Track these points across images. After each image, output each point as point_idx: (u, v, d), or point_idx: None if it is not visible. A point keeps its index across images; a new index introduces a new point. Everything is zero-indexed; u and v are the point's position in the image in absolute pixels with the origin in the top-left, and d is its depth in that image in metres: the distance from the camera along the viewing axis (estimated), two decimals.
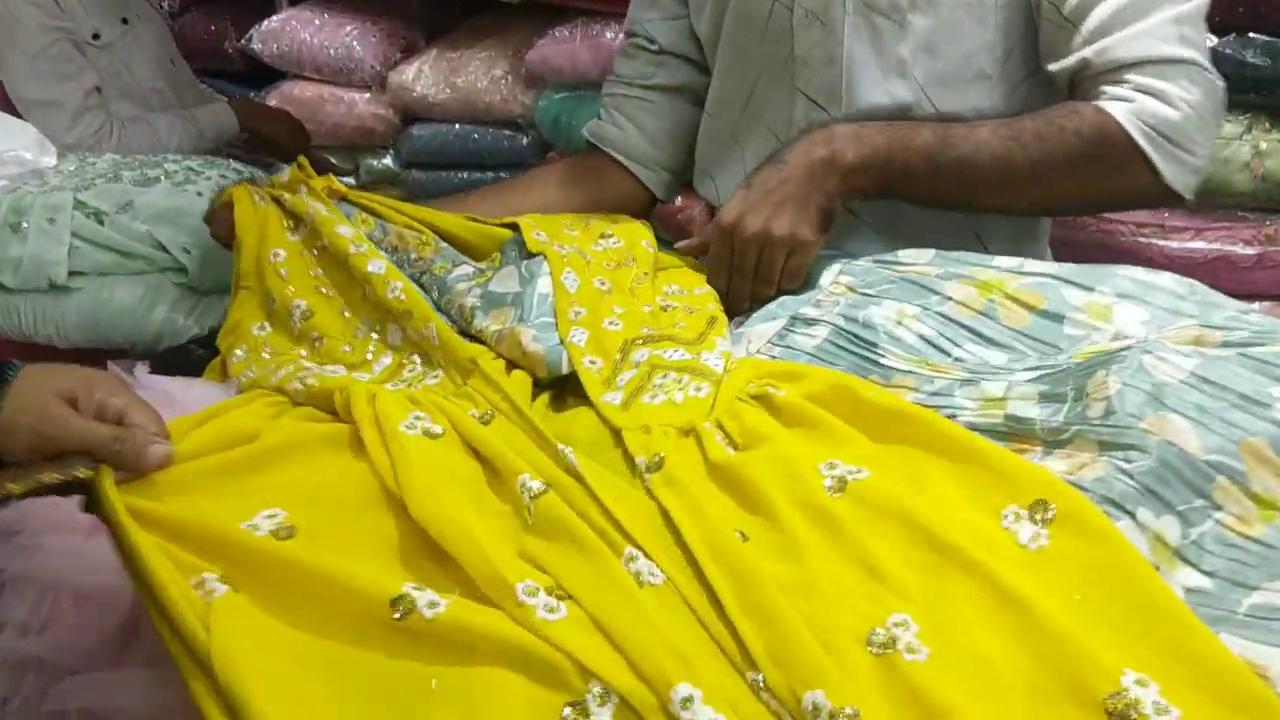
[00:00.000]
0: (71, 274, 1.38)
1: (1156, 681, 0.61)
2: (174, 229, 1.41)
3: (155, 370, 1.11)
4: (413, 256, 1.12)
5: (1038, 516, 0.72)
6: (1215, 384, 0.80)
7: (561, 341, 0.96)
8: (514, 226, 1.17)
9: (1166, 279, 0.98)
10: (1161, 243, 1.70)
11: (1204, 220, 1.71)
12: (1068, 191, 1.09)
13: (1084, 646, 0.62)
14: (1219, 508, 0.73)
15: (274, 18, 2.72)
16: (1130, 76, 1.03)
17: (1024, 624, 0.65)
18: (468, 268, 1.13)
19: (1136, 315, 0.95)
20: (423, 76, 2.51)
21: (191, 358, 1.20)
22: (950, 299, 1.01)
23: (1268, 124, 1.60)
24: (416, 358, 0.99)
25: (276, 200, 1.12)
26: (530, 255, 1.12)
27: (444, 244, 1.16)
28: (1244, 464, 0.74)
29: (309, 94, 2.65)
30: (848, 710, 0.59)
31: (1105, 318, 0.95)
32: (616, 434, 0.85)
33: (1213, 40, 1.54)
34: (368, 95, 2.62)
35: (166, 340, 1.36)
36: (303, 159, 1.17)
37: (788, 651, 0.62)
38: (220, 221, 1.14)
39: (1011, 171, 1.06)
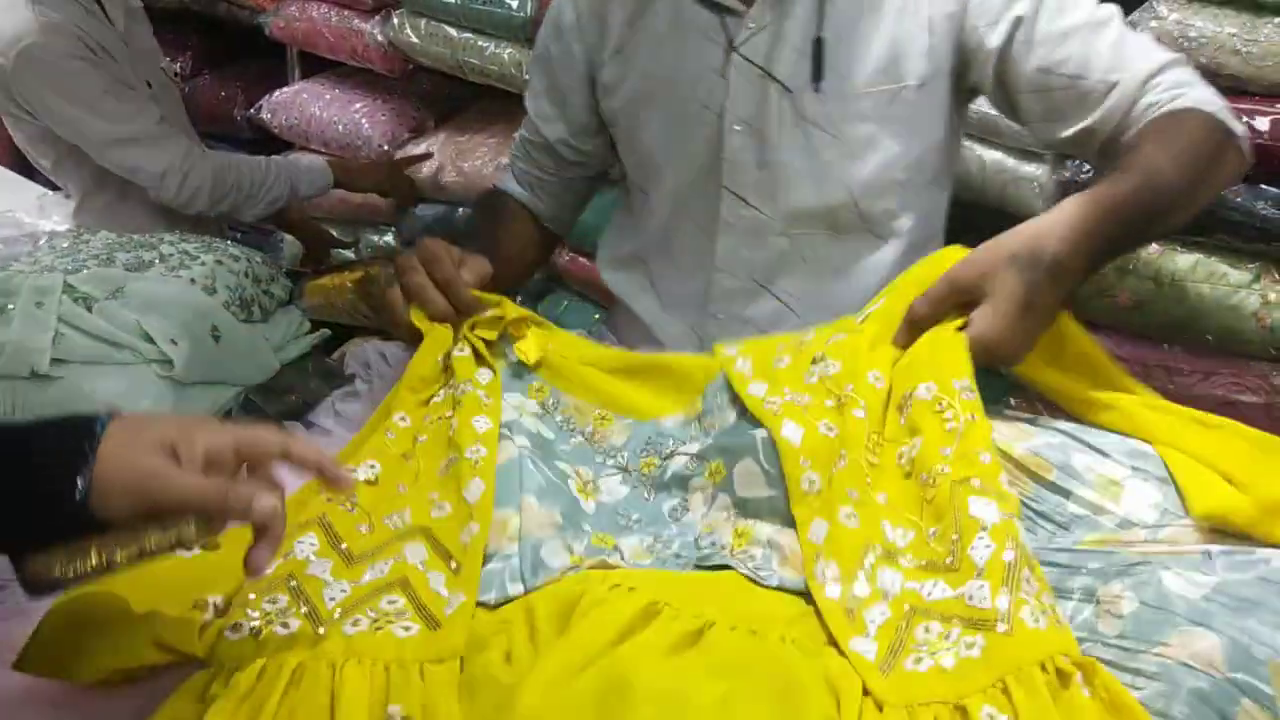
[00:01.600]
0: (54, 362, 1.33)
1: None
2: (163, 319, 1.37)
3: None
4: (590, 432, 1.06)
5: None
6: (1240, 599, 0.76)
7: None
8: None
9: None
10: (1168, 385, 1.68)
11: (1211, 364, 1.69)
12: (1204, 193, 1.09)
13: None
14: None
15: (285, 89, 2.73)
16: (1160, 80, 1.10)
17: None
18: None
19: (1148, 497, 0.91)
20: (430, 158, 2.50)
21: None
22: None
23: (1276, 274, 1.58)
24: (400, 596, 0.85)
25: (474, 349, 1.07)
26: (736, 399, 1.00)
27: (628, 419, 1.07)
28: (1272, 686, 0.70)
29: None
30: None
31: (1114, 496, 0.92)
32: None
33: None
34: None
35: None
36: (506, 301, 1.11)
37: None
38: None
39: (1173, 197, 1.04)
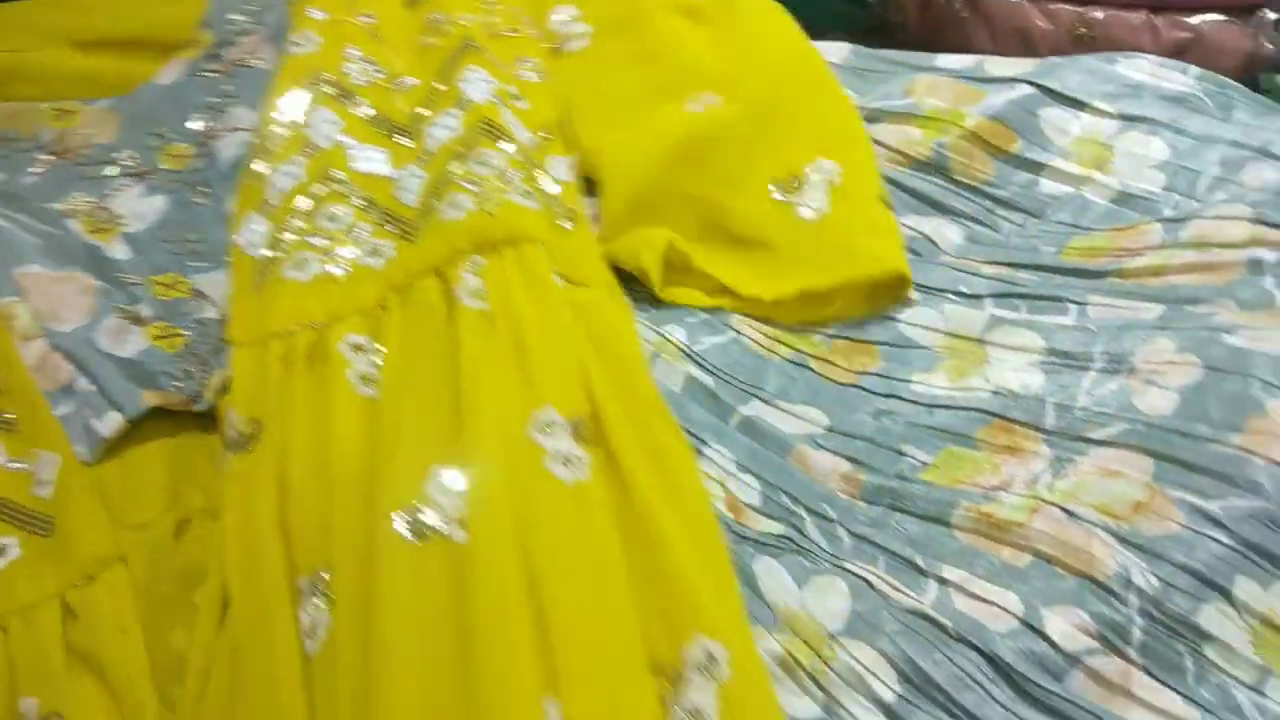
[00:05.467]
0: None
1: None
2: None
3: None
4: (50, 142, 0.68)
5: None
6: None
7: None
8: None
9: (1192, 78, 0.66)
10: None
11: None
12: None
13: None
14: None
15: None
16: None
17: None
18: None
19: (1154, 152, 0.63)
20: None
21: None
22: (882, 144, 0.68)
23: None
24: None
25: None
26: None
27: (103, 102, 0.70)
28: None
29: None
30: None
31: (1103, 163, 0.64)
32: None
33: None
34: None
35: None
36: None
37: None
38: None
39: None
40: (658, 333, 0.59)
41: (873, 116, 0.68)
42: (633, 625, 0.43)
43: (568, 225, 0.60)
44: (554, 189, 0.62)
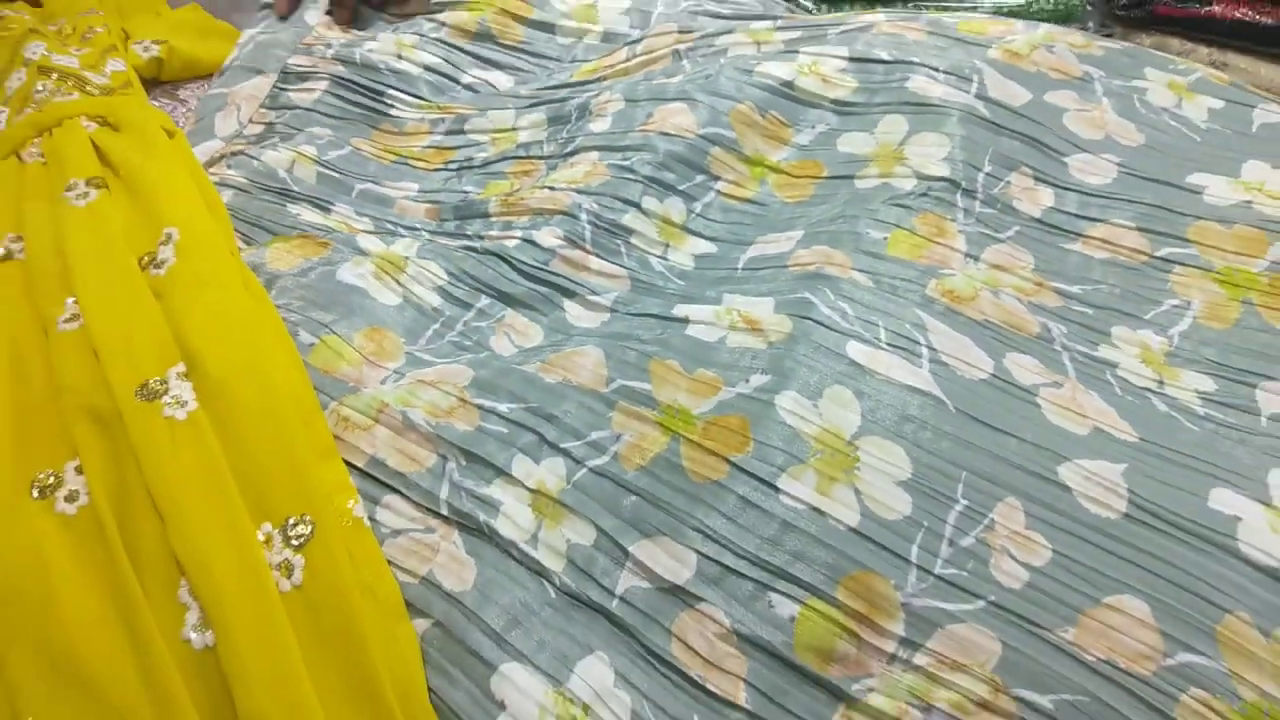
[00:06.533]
0: None
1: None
2: None
3: None
4: None
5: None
6: (707, 80, 0.83)
7: None
8: None
9: None
10: None
11: None
12: None
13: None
14: (717, 178, 0.78)
15: None
16: None
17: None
18: None
19: (622, 3, 0.96)
20: None
21: None
22: (444, 24, 0.97)
23: None
24: None
25: None
26: None
27: None
28: (734, 131, 0.79)
29: None
30: None
31: (591, 17, 0.96)
32: None
33: None
34: None
35: None
36: None
37: None
38: None
39: None
40: (295, 150, 0.85)
41: (437, 9, 0.98)
42: None
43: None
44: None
